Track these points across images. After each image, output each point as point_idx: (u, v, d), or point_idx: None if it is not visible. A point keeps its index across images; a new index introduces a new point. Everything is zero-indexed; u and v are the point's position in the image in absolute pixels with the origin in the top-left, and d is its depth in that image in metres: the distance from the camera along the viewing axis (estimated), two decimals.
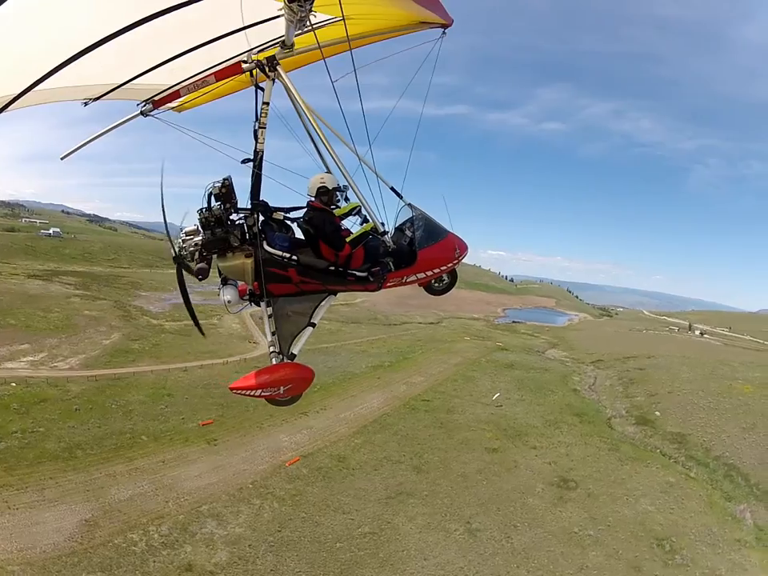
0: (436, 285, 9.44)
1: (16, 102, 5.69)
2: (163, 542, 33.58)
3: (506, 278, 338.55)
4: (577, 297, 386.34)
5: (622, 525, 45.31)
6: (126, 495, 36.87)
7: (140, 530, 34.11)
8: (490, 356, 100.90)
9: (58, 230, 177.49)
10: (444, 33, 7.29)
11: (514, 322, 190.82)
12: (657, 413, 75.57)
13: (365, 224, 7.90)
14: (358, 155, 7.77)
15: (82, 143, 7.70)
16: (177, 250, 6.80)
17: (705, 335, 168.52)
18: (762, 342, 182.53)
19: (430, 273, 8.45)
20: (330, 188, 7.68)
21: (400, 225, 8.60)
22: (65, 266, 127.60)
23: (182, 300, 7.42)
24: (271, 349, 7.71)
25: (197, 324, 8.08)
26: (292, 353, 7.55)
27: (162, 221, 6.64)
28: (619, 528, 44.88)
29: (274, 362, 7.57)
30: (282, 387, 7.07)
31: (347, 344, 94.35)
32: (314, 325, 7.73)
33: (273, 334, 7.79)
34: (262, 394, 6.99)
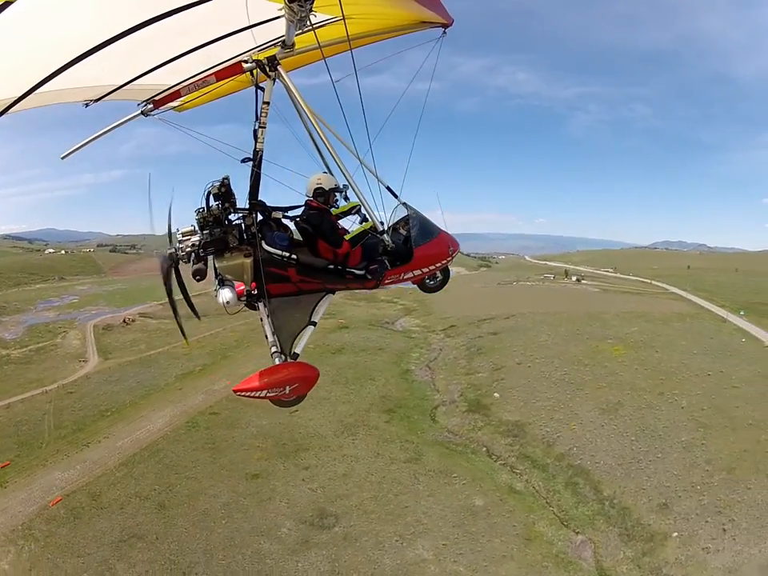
0: (429, 282, 9.19)
1: (18, 105, 5.64)
2: None
3: None
4: None
5: None
6: None
7: None
8: (322, 340, 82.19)
9: None
10: (444, 32, 7.11)
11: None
12: (496, 394, 58.29)
13: (363, 223, 7.95)
14: (357, 156, 7.48)
15: (82, 143, 7.63)
16: (173, 251, 6.72)
17: (582, 281, 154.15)
18: (648, 281, 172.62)
19: (425, 270, 8.37)
20: (327, 189, 7.59)
21: (395, 224, 8.48)
22: None
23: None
24: (273, 349, 7.26)
25: (193, 309, 7.93)
26: (295, 352, 7.24)
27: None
28: None
29: (277, 362, 7.13)
30: (287, 387, 6.89)
31: (174, 347, 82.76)
32: (314, 323, 7.58)
33: (273, 334, 7.36)
34: (267, 395, 6.85)
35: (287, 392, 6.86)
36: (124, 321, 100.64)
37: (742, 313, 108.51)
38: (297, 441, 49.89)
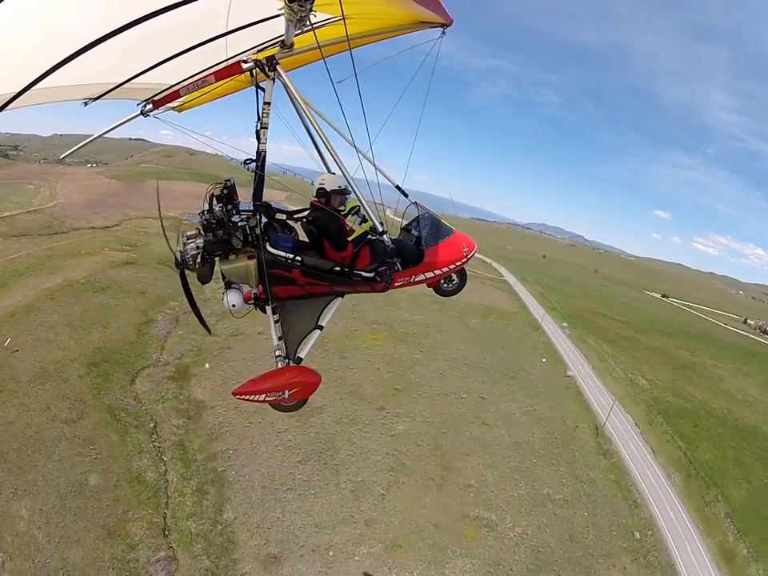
0: (445, 285, 9.04)
1: (16, 101, 5.49)
2: None
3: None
4: None
5: None
6: None
7: None
8: (101, 274, 73.59)
9: None
10: (444, 33, 7.13)
11: None
12: (207, 365, 53.67)
13: (363, 223, 7.90)
14: (360, 153, 7.38)
15: (82, 143, 7.76)
16: (179, 254, 6.77)
17: None
18: (489, 262, 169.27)
19: (438, 272, 8.21)
20: (328, 190, 7.58)
21: (406, 225, 8.60)
22: None
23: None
24: (277, 353, 7.45)
25: (203, 323, 8.17)
26: (299, 357, 7.32)
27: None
28: None
29: (280, 366, 7.32)
30: (287, 391, 7.00)
31: None
32: (321, 327, 7.59)
33: (279, 338, 7.52)
34: (267, 399, 7.01)
35: (286, 396, 6.96)
36: None
37: (565, 324, 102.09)
38: None
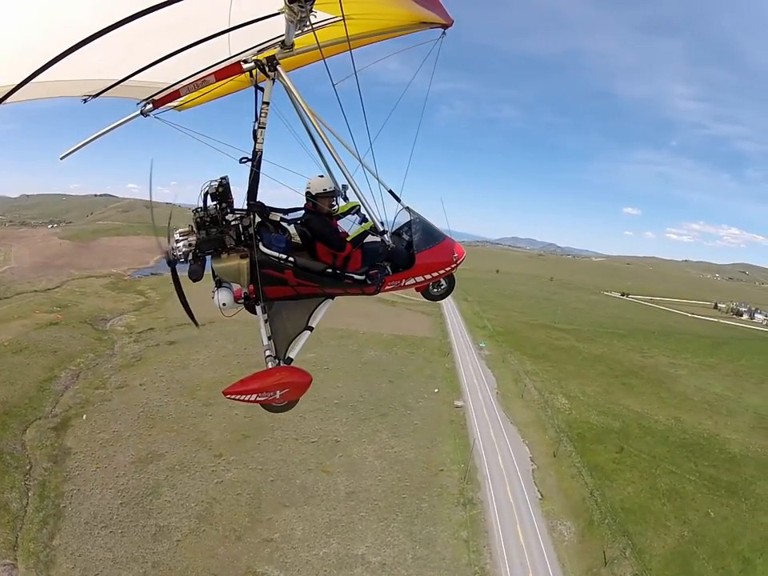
0: (434, 290, 9.02)
1: (15, 95, 5.51)
2: None
3: None
4: None
5: None
6: None
7: None
8: (24, 336, 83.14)
9: None
10: (444, 33, 6.99)
11: (152, 274, 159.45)
12: (84, 416, 62.49)
13: (364, 223, 7.81)
14: (358, 157, 7.28)
15: (81, 143, 7.58)
16: (170, 250, 6.70)
17: None
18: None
19: (428, 276, 8.23)
20: (314, 193, 7.55)
21: (397, 229, 8.40)
22: None
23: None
24: (267, 353, 7.35)
25: (192, 318, 7.72)
26: (289, 357, 7.33)
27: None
28: None
29: (270, 366, 7.20)
30: (278, 392, 6.91)
31: None
32: (311, 329, 7.61)
33: (269, 338, 7.42)
34: (257, 399, 6.88)
35: (278, 397, 6.91)
36: None
37: (482, 344, 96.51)
38: None
